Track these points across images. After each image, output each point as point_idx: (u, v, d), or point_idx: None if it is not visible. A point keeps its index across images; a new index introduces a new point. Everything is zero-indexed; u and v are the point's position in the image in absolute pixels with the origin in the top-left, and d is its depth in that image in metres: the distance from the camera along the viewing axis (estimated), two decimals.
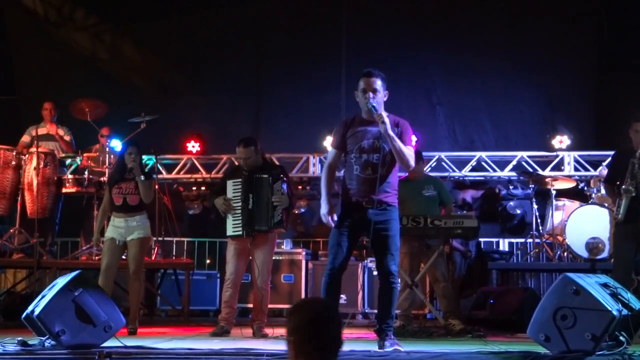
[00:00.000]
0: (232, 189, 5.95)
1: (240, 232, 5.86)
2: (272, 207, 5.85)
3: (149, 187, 6.14)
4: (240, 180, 5.93)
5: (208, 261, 9.76)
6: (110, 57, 10.91)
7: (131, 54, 10.95)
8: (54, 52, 10.73)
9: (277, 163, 8.40)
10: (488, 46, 10.29)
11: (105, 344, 4.16)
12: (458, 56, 10.30)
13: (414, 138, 9.29)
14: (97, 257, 7.57)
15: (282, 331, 5.86)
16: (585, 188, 8.29)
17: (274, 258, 8.55)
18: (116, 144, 7.90)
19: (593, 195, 7.96)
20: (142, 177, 6.05)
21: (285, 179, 6.01)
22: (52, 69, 10.59)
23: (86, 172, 7.91)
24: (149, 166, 9.10)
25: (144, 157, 9.35)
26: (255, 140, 6.12)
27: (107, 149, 8.05)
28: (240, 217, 5.87)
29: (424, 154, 7.70)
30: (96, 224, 6.25)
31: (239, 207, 5.87)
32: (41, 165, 7.66)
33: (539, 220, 8.29)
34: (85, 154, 8.26)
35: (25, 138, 8.26)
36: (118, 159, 6.44)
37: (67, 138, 8.36)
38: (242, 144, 5.98)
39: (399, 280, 4.88)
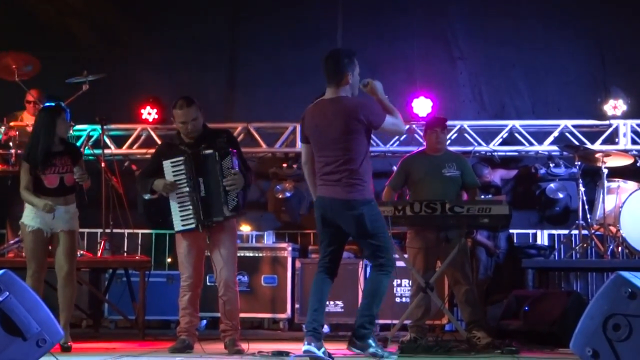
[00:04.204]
0: (173, 171, 5.87)
1: (194, 226, 5.86)
2: (225, 191, 5.85)
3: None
4: (181, 159, 5.87)
5: (169, 259, 9.77)
6: None
7: None
8: None
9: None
10: None
11: None
12: None
13: (428, 102, 9.40)
14: None
15: (261, 346, 5.92)
16: None
17: (250, 255, 8.66)
18: None
19: None
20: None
21: (234, 150, 5.96)
22: None
23: (12, 146, 7.88)
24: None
25: (87, 127, 9.40)
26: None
27: None
28: (190, 207, 5.85)
29: None
30: (31, 198, 5.99)
31: (186, 194, 5.86)
32: None
33: (586, 207, 8.33)
34: (12, 123, 8.21)
35: None
36: (43, 126, 6.17)
37: None
38: (184, 102, 5.87)
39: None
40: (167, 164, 5.90)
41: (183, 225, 5.88)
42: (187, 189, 5.85)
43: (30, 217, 6.07)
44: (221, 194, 5.82)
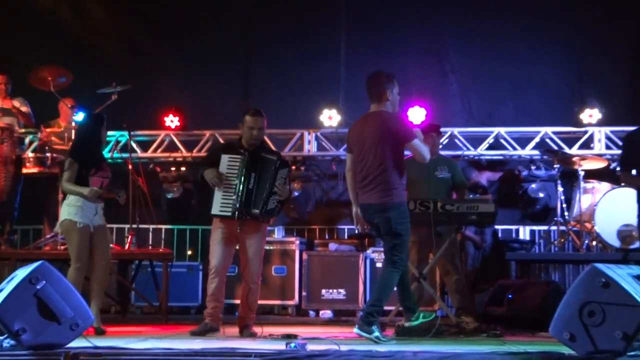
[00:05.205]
0: (228, 164, 5.96)
1: (230, 213, 5.89)
2: (270, 194, 5.90)
3: None
4: (239, 157, 5.96)
5: (189, 252, 9.79)
6: (75, 17, 10.81)
7: (99, 14, 10.86)
8: (9, 11, 10.61)
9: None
10: (509, 5, 10.24)
11: (71, 344, 4.17)
12: (475, 16, 10.25)
13: (422, 111, 9.41)
14: (62, 247, 7.58)
15: (272, 330, 5.93)
16: (618, 168, 8.30)
17: None
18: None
19: None
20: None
21: (289, 168, 6.16)
22: (7, 32, 10.47)
23: (47, 150, 7.90)
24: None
25: (115, 133, 9.42)
26: None
27: (73, 124, 8.02)
28: (232, 196, 5.89)
29: None
30: (77, 188, 5.94)
31: (234, 185, 5.89)
32: None
33: (564, 205, 8.32)
34: (48, 130, 8.23)
35: None
36: (91, 132, 6.23)
37: (24, 110, 8.32)
38: (257, 112, 6.07)
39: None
40: (225, 157, 6.00)
41: (220, 211, 5.94)
42: (236, 181, 5.90)
43: (78, 214, 6.01)
44: (266, 193, 5.89)
